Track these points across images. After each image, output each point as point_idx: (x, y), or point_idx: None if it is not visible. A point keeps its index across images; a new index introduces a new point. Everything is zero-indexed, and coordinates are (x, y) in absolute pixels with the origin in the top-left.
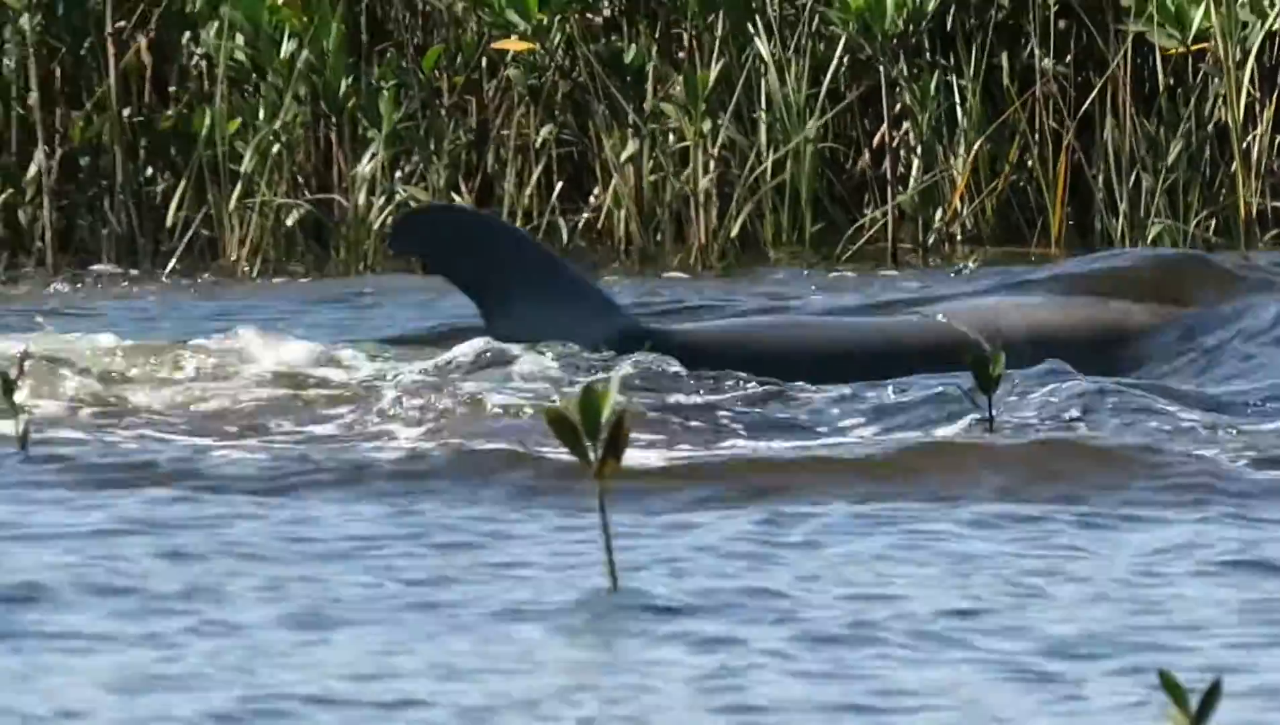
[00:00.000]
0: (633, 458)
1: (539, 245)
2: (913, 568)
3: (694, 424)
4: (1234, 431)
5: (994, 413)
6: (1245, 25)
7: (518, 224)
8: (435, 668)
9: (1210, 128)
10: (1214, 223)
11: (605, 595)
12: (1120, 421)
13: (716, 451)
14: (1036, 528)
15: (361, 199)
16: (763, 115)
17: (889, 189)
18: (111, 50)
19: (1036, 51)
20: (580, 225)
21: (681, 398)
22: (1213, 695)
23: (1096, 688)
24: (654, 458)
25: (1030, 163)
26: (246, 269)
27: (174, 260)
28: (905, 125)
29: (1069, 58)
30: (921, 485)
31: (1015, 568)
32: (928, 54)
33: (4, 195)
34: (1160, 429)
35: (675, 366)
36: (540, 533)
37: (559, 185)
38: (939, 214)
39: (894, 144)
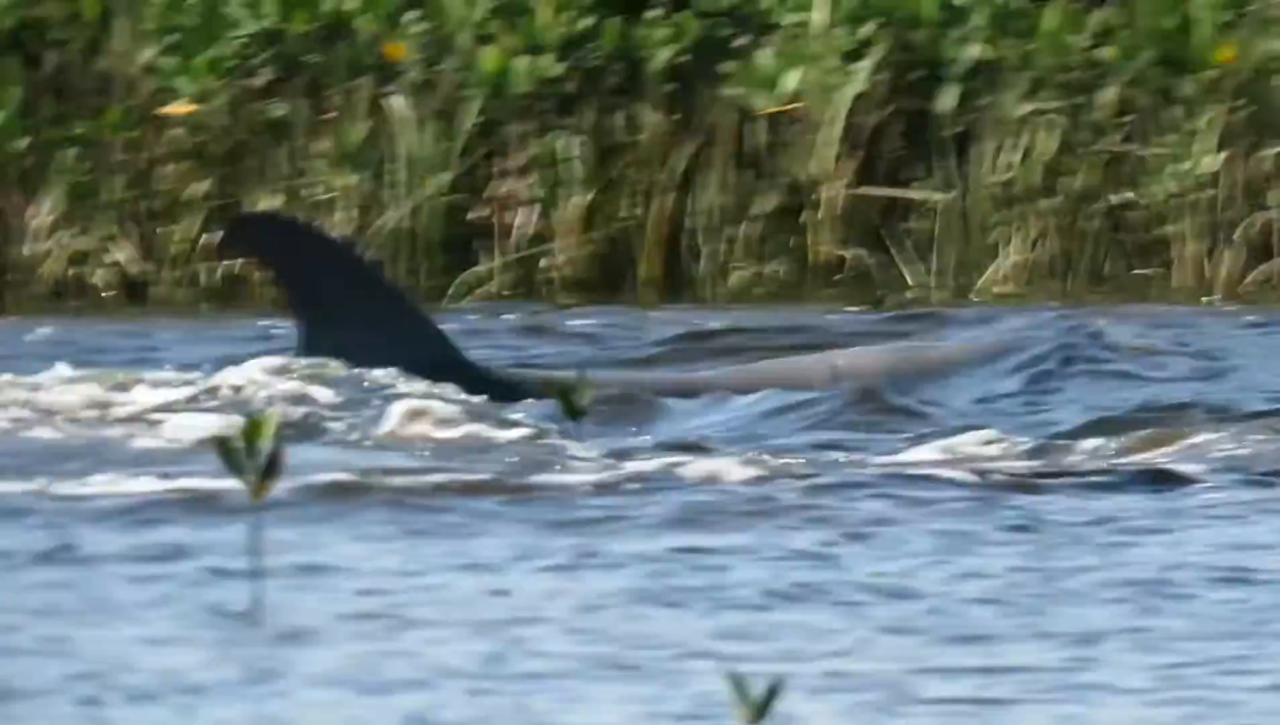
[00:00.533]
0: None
1: (371, 264)
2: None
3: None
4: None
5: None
6: (833, 88)
7: (173, 272)
8: None
9: (796, 180)
10: (789, 267)
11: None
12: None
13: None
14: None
15: (36, 248)
16: (398, 167)
17: (505, 237)
18: None
19: (643, 112)
20: (237, 269)
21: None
22: (773, 693)
23: None
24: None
25: (633, 212)
26: None
27: None
28: (525, 178)
29: (674, 117)
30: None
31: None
32: (549, 115)
33: None
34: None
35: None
36: None
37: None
38: (548, 260)
39: (513, 195)
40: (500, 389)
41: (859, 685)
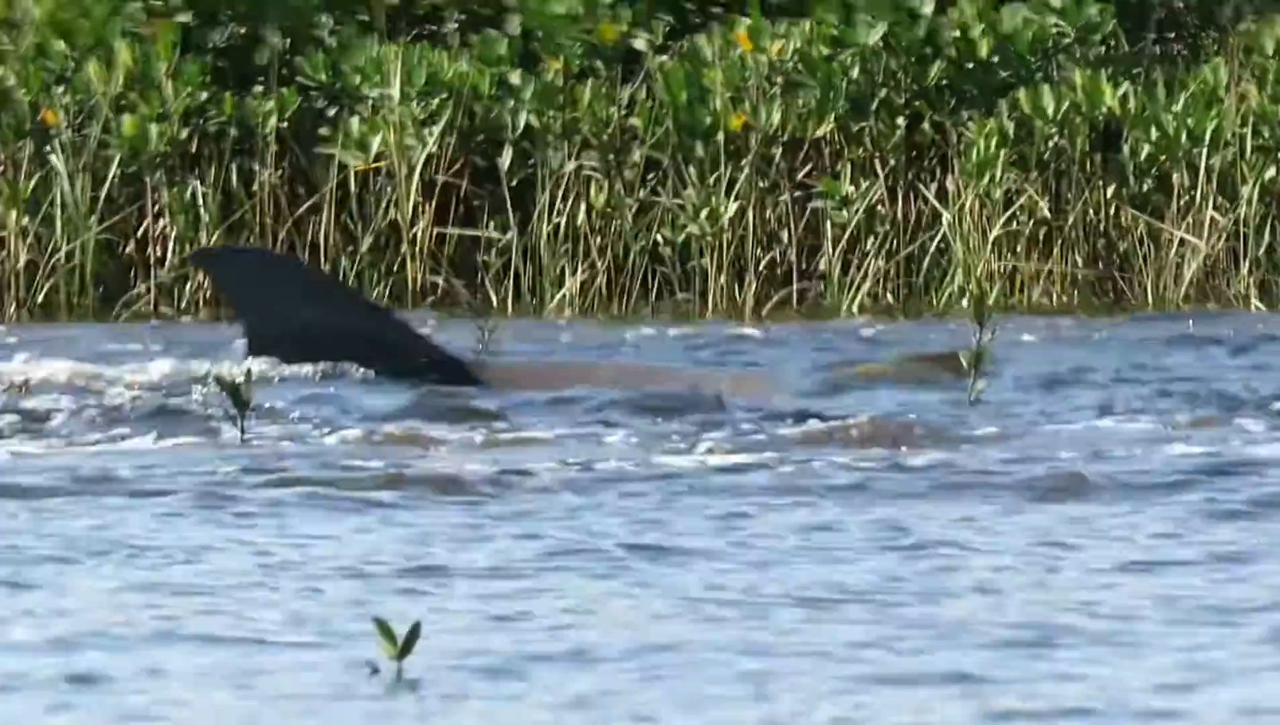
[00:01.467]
0: None
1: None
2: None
3: None
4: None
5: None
6: (410, 147)
7: None
8: None
9: (388, 222)
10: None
11: None
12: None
13: None
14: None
15: None
16: (59, 212)
17: (153, 268)
18: None
19: (258, 168)
20: None
21: None
22: (414, 634)
23: None
24: None
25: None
26: None
27: None
28: (163, 222)
29: (281, 171)
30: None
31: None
32: (179, 169)
33: None
34: None
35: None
36: None
37: None
38: (191, 285)
39: (157, 234)
40: (455, 374)
41: None
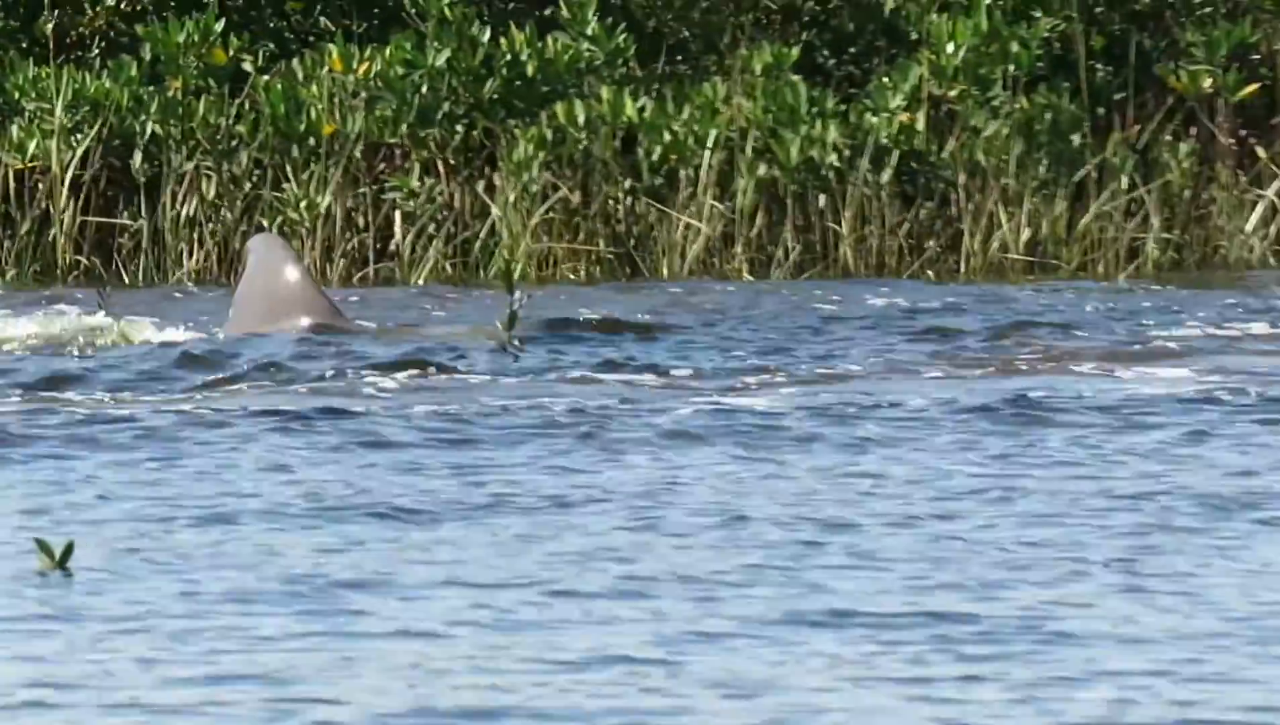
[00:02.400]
0: None
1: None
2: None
3: None
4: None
5: None
6: (61, 150)
7: None
8: None
9: (41, 211)
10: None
11: None
12: None
13: None
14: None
15: None
16: None
17: None
18: None
19: None
20: None
21: None
22: (69, 550)
23: None
24: None
25: None
26: None
27: None
28: None
29: None
30: None
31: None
32: None
33: None
34: None
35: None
36: None
37: None
38: None
39: None
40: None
41: None
